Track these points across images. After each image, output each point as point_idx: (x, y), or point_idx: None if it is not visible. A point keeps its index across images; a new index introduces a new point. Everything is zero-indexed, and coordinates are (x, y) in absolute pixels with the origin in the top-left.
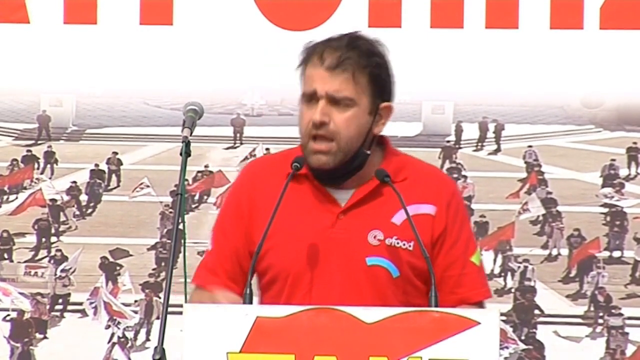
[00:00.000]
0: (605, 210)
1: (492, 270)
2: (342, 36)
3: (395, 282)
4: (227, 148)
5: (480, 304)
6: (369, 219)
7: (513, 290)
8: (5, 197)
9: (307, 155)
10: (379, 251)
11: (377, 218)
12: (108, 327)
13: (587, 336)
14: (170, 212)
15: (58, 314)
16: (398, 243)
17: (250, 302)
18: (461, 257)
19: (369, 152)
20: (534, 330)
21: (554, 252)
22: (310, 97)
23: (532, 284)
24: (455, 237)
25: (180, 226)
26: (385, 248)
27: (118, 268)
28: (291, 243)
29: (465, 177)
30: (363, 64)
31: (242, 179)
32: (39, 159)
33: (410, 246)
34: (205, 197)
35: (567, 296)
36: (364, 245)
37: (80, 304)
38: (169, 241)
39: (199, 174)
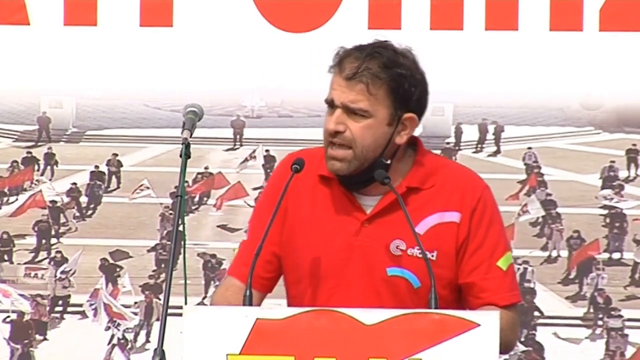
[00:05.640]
0: (605, 211)
1: None
2: (368, 45)
3: (417, 293)
4: (227, 150)
5: (506, 309)
6: (392, 228)
7: None
8: (5, 199)
9: (326, 160)
10: (400, 261)
11: (401, 227)
12: (108, 328)
13: (586, 338)
14: (170, 214)
15: (58, 315)
16: (420, 254)
17: (250, 304)
18: (485, 262)
19: (388, 161)
20: (534, 331)
21: (554, 253)
22: (330, 104)
23: (531, 285)
24: (479, 242)
25: (180, 228)
26: (407, 258)
27: (118, 269)
28: (317, 247)
29: None
30: (380, 75)
31: (285, 171)
32: (39, 160)
33: (433, 256)
34: (205, 199)
35: (567, 298)
36: (385, 255)
37: (80, 305)
38: (168, 243)
39: (199, 176)
